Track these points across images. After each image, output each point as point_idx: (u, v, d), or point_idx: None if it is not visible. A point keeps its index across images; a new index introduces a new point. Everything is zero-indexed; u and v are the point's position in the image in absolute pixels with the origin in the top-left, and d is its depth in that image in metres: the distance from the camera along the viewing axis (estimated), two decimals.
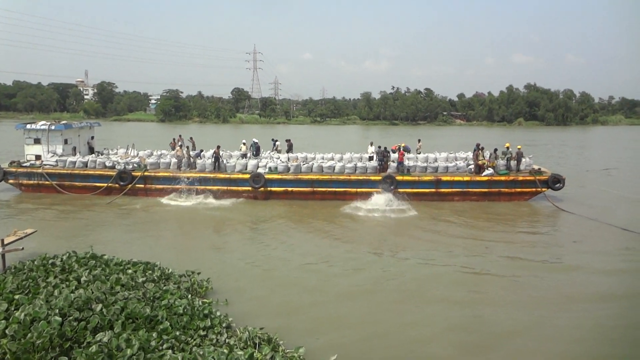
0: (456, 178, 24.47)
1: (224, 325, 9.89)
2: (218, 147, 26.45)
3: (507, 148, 26.18)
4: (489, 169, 24.50)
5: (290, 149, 30.46)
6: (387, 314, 11.66)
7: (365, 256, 16.02)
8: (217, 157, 25.46)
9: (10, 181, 25.98)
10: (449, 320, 11.42)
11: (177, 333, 9.07)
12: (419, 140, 31.94)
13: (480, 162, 24.94)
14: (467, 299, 12.61)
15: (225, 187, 24.70)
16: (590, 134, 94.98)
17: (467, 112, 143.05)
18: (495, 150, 25.77)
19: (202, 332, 9.41)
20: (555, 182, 24.23)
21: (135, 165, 25.73)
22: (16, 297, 9.94)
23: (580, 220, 21.38)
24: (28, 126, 27.58)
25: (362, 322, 11.16)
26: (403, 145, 31.19)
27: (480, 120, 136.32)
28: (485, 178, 24.29)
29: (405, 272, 14.56)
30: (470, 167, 25.34)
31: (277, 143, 31.57)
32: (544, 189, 24.39)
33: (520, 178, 24.52)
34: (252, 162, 25.51)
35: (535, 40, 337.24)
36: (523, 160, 25.92)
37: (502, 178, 24.40)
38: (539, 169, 25.58)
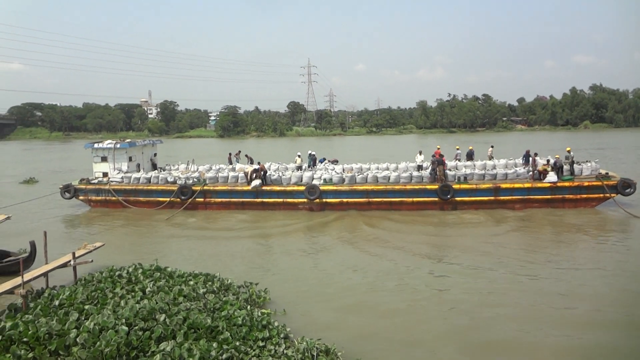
0: (516, 185, 23.65)
1: (282, 335, 9.99)
2: (258, 164, 26.57)
3: (569, 152, 25.07)
4: (552, 174, 23.47)
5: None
6: (436, 326, 11.32)
7: (419, 270, 15.40)
8: (264, 172, 25.70)
9: (81, 197, 27.50)
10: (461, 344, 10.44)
11: (237, 343, 9.24)
12: (492, 147, 31.21)
13: (541, 169, 24.01)
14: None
15: (281, 199, 25.05)
16: None
17: (528, 117, 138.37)
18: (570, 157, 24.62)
19: (260, 343, 9.54)
20: (625, 187, 22.91)
21: (195, 180, 26.56)
22: (86, 307, 10.47)
23: None
24: (95, 145, 29.17)
25: (410, 337, 10.85)
26: (470, 148, 30.53)
27: (543, 125, 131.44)
28: (548, 184, 23.34)
29: (457, 292, 13.45)
30: (531, 173, 24.41)
31: (325, 160, 31.31)
32: (612, 195, 23.11)
33: (586, 183, 23.37)
34: (307, 174, 25.73)
35: (597, 40, 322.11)
36: (589, 164, 24.75)
37: (566, 184, 23.36)
38: (607, 173, 24.29)
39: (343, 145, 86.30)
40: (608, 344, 10.30)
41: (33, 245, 15.46)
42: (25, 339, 9.05)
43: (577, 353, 9.98)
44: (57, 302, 11.08)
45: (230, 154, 32.76)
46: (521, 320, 11.48)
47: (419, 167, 26.79)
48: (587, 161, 25.78)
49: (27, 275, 12.53)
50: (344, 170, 27.15)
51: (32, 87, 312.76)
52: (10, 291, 11.91)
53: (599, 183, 23.24)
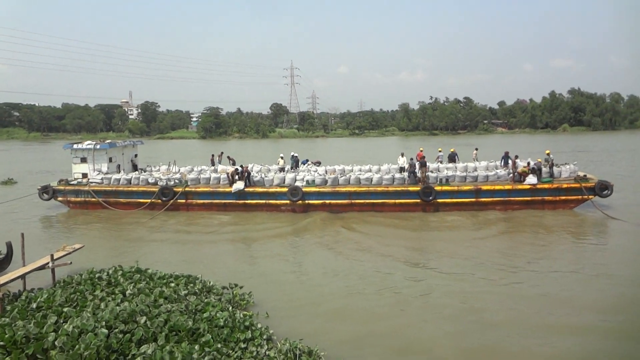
0: (497, 187, 23.93)
1: (264, 337, 9.96)
2: (241, 166, 26.38)
3: (548, 155, 25.45)
4: (531, 176, 23.77)
5: (297, 165, 29.63)
6: (418, 331, 11.35)
7: (401, 274, 15.28)
8: (248, 174, 25.58)
9: (59, 199, 27.05)
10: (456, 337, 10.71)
11: (219, 345, 9.19)
12: (476, 149, 31.48)
13: (520, 170, 24.33)
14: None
15: (263, 201, 24.96)
16: None
17: (508, 120, 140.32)
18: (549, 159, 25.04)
19: (242, 345, 9.49)
20: (602, 188, 23.32)
21: (176, 181, 26.33)
22: (65, 310, 10.30)
23: (633, 229, 20.48)
24: (75, 146, 28.75)
25: (393, 341, 10.80)
26: (452, 150, 30.81)
27: (523, 128, 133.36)
28: (528, 186, 23.65)
29: (440, 296, 13.38)
30: (511, 175, 24.72)
31: (308, 162, 31.26)
32: (590, 197, 23.52)
33: (565, 185, 23.75)
34: (289, 176, 25.69)
35: (574, 44, 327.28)
36: (568, 167, 25.23)
37: (546, 186, 23.71)
38: (585, 175, 24.70)
39: (326, 147, 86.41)
40: (586, 349, 10.34)
41: (9, 246, 15.16)
42: (1, 343, 8.87)
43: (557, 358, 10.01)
44: (34, 305, 10.90)
45: (213, 155, 32.57)
46: (502, 325, 11.46)
47: (402, 169, 26.88)
48: (565, 163, 26.22)
49: (4, 278, 12.29)
50: (326, 171, 27.17)
51: (9, 86, 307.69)
52: None
53: (577, 185, 23.62)
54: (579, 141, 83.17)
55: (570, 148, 65.56)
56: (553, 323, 11.49)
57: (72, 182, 27.38)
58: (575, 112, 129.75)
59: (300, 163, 30.17)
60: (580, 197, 23.74)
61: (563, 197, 23.81)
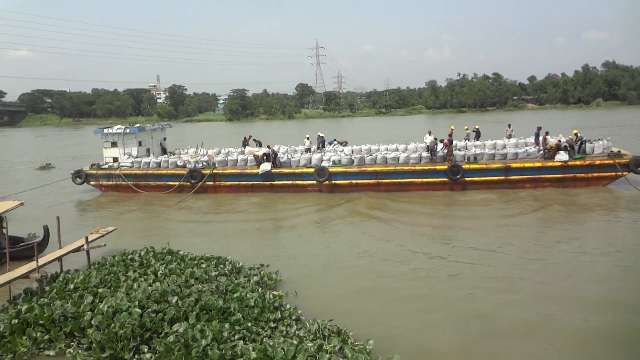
0: (527, 164, 23.48)
1: (293, 317, 10.12)
2: (268, 147, 26.58)
3: (576, 134, 24.73)
4: (562, 153, 23.20)
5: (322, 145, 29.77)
6: (446, 311, 11.20)
7: (430, 254, 15.10)
8: (275, 155, 25.71)
9: (92, 183, 27.72)
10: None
11: (249, 324, 9.38)
12: (509, 126, 30.87)
13: (548, 146, 23.77)
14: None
15: (290, 182, 25.09)
16: None
17: (539, 96, 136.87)
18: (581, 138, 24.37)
19: (272, 324, 9.68)
20: (637, 165, 22.59)
21: (204, 163, 26.65)
22: (100, 290, 10.66)
23: None
24: (105, 131, 29.31)
25: (421, 321, 10.73)
26: (477, 127, 30.38)
27: (554, 103, 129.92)
28: (558, 163, 23.12)
29: (469, 277, 13.07)
30: (542, 152, 24.20)
31: (334, 141, 31.17)
32: (625, 173, 22.88)
33: (598, 162, 23.14)
34: (316, 156, 25.70)
35: (607, 17, 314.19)
36: (601, 142, 24.56)
37: (577, 163, 23.14)
38: (619, 151, 24.00)
39: (352, 127, 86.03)
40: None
41: (46, 229, 15.66)
42: (41, 322, 9.25)
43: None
44: (71, 286, 11.30)
45: (245, 137, 32.51)
46: (535, 307, 11.09)
47: (428, 148, 26.60)
48: (599, 139, 25.49)
49: (42, 260, 12.72)
50: (353, 151, 27.06)
51: (41, 74, 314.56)
52: (26, 275, 12.12)
53: (611, 161, 22.99)
54: (614, 116, 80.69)
55: (605, 123, 63.67)
56: (585, 304, 11.20)
57: (103, 167, 27.99)
58: (609, 86, 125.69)
59: (326, 143, 30.14)
60: (613, 173, 23.11)
61: (595, 174, 23.22)
